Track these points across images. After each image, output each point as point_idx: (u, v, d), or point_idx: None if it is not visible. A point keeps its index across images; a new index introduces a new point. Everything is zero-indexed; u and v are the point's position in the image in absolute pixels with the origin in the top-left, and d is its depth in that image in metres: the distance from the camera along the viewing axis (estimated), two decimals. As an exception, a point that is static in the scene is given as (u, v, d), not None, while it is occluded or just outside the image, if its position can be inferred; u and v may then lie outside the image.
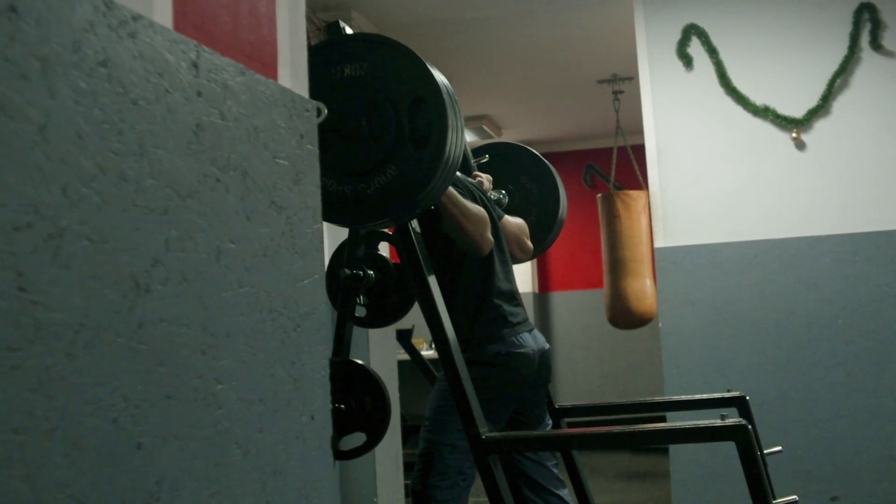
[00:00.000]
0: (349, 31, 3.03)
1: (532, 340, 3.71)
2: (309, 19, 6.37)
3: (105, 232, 1.40)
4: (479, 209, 3.62)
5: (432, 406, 3.72)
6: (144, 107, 1.52)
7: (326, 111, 2.68)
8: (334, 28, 3.00)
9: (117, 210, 1.43)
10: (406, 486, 7.54)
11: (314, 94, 2.67)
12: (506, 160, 4.49)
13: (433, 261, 3.61)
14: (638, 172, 8.67)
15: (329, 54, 2.94)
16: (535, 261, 11.89)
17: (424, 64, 2.91)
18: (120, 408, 1.41)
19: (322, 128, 2.82)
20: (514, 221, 4.11)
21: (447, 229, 3.54)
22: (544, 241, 4.50)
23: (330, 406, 2.17)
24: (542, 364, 3.74)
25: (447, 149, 2.86)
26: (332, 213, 2.94)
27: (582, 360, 11.27)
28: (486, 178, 4.09)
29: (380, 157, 2.89)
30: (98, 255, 1.38)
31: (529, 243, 4.15)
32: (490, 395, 3.49)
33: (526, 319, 3.78)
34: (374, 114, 2.89)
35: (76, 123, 1.35)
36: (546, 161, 4.52)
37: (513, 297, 3.78)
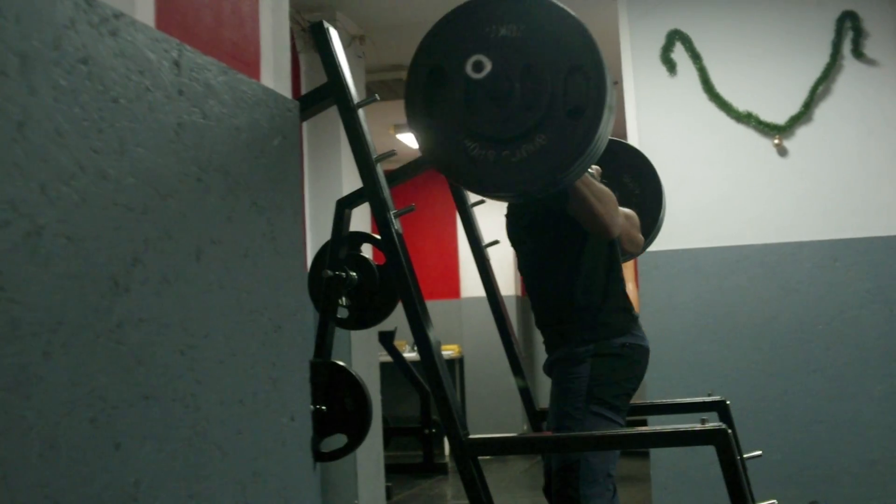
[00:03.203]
0: (333, 31, 3.01)
1: (646, 337, 3.61)
2: (293, 20, 6.36)
3: (84, 230, 1.39)
4: (608, 190, 3.40)
5: (561, 412, 3.48)
6: (125, 105, 1.51)
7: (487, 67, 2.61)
8: (318, 29, 2.98)
9: (97, 208, 1.42)
10: (388, 487, 7.54)
11: (467, 50, 2.62)
12: (608, 156, 4.02)
13: (549, 241, 3.53)
14: (621, 177, 8.66)
15: (484, 11, 2.77)
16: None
17: (587, 31, 2.72)
18: (98, 408, 1.40)
19: (473, 88, 2.78)
20: (624, 212, 3.81)
21: (575, 210, 3.32)
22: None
23: (310, 407, 2.17)
24: (648, 363, 3.62)
25: (601, 124, 2.69)
26: (470, 178, 2.80)
27: (564, 363, 11.25)
28: (595, 169, 3.78)
29: (530, 124, 2.69)
30: (77, 254, 1.37)
31: (640, 236, 3.95)
32: (617, 390, 3.42)
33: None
34: (528, 78, 2.71)
35: (56, 121, 1.35)
36: (650, 161, 4.27)
37: (625, 289, 3.67)
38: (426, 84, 2.82)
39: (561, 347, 3.51)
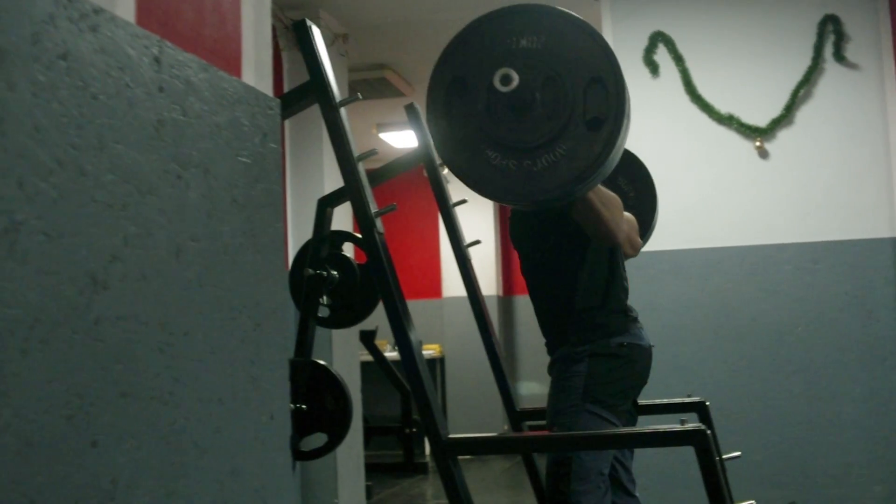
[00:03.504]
0: (316, 30, 3.00)
1: (647, 336, 3.63)
2: (276, 17, 6.35)
3: (62, 227, 1.38)
4: (615, 196, 3.42)
5: (555, 410, 3.50)
6: (105, 101, 1.50)
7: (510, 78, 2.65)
8: (301, 27, 2.97)
9: (75, 205, 1.42)
10: (368, 487, 7.53)
11: (489, 61, 2.66)
12: None
13: (552, 245, 3.54)
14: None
15: (505, 23, 2.84)
16: (499, 263, 11.90)
17: (606, 43, 2.79)
18: (75, 405, 1.39)
19: (494, 98, 2.79)
20: (625, 216, 3.78)
21: (580, 215, 3.32)
22: None
23: (289, 406, 2.16)
24: (651, 361, 3.65)
25: (621, 135, 2.75)
26: (491, 187, 2.85)
27: (545, 363, 11.26)
28: None
29: (551, 134, 2.75)
30: (55, 251, 1.37)
31: (639, 240, 3.94)
32: (613, 389, 3.43)
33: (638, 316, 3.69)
34: (549, 89, 2.77)
35: (34, 117, 1.34)
36: (644, 164, 4.29)
37: (628, 291, 3.69)
38: (447, 93, 2.86)
39: (560, 348, 3.53)
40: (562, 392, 3.46)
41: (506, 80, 2.71)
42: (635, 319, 3.60)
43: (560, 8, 2.83)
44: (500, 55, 2.80)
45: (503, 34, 2.83)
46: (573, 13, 2.82)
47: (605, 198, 3.32)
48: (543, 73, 2.77)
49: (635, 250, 3.83)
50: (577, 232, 3.41)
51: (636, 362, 3.53)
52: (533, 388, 11.51)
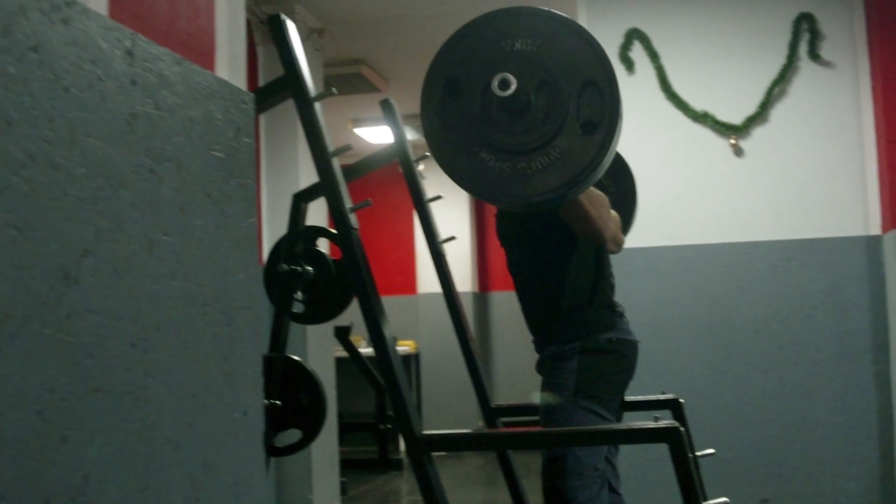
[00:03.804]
0: (291, 24, 2.99)
1: (633, 331, 3.63)
2: (252, 12, 6.33)
3: (33, 221, 1.37)
4: (602, 194, 3.44)
5: (549, 407, 3.49)
6: (77, 94, 1.49)
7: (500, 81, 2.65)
8: (276, 21, 2.96)
9: (46, 199, 1.40)
10: (342, 483, 7.52)
11: (484, 64, 2.66)
12: None
13: (539, 242, 3.54)
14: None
15: (500, 25, 2.84)
16: (474, 259, 11.90)
17: (600, 46, 2.79)
18: (45, 400, 1.38)
19: (489, 100, 2.79)
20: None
21: (568, 214, 3.33)
22: None
23: (263, 402, 2.15)
24: (637, 357, 3.64)
25: (615, 138, 2.77)
26: (485, 189, 2.85)
27: (520, 359, 11.27)
28: None
29: (545, 137, 2.76)
30: (25, 245, 1.36)
31: (622, 236, 3.92)
32: (605, 384, 3.44)
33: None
34: (543, 92, 2.78)
35: (4, 109, 1.33)
36: (625, 160, 4.30)
37: (614, 287, 3.69)
38: (441, 94, 2.86)
39: (549, 346, 3.53)
40: (553, 389, 3.47)
41: (504, 84, 2.72)
42: (622, 315, 3.61)
43: (554, 11, 2.84)
44: (495, 58, 2.81)
45: (498, 37, 2.84)
46: (567, 16, 2.83)
47: (594, 196, 3.33)
48: (538, 76, 2.78)
49: (619, 247, 3.84)
50: (564, 230, 3.42)
51: (625, 357, 3.55)
52: (509, 385, 11.52)
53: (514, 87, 2.72)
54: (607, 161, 2.80)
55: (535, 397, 3.53)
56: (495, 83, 2.73)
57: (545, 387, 3.51)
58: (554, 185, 2.77)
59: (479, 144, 2.82)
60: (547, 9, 2.84)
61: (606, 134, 2.75)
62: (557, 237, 3.49)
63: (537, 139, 2.78)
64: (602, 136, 2.75)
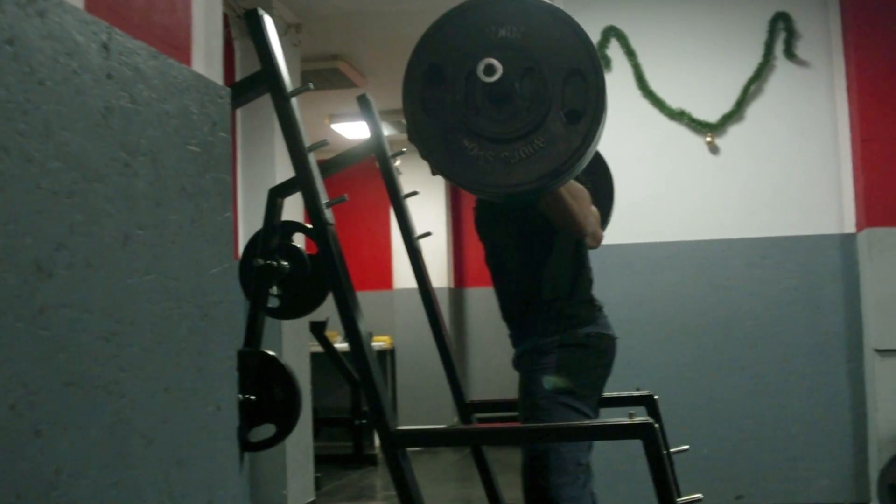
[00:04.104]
0: (268, 19, 2.99)
1: (612, 326, 3.59)
2: (229, 6, 6.32)
3: (7, 214, 1.37)
4: (583, 188, 3.38)
5: (530, 404, 3.44)
6: (52, 87, 1.49)
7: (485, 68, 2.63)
8: (253, 16, 2.96)
9: (20, 192, 1.40)
10: (317, 478, 7.52)
11: (468, 50, 2.63)
12: None
13: (518, 235, 3.51)
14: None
15: (484, 12, 2.79)
16: (450, 255, 11.91)
17: (586, 35, 2.76)
18: (18, 394, 1.38)
19: (473, 88, 2.76)
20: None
21: (549, 207, 3.27)
22: None
23: (236, 397, 2.15)
24: (616, 352, 3.59)
25: (599, 128, 2.73)
26: (466, 177, 2.81)
27: (495, 355, 11.30)
28: None
29: (529, 126, 2.73)
30: (-1, 238, 1.35)
31: (601, 232, 3.87)
32: (585, 379, 3.41)
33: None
34: (527, 81, 2.74)
35: (-21, 102, 1.32)
36: (602, 156, 4.22)
37: (593, 281, 3.66)
38: (423, 81, 2.83)
39: (527, 340, 3.50)
40: (534, 385, 3.44)
41: (489, 70, 2.69)
42: (601, 309, 3.58)
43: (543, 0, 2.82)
44: (479, 45, 2.77)
45: (482, 23, 2.80)
46: (553, 4, 2.80)
47: (575, 190, 3.29)
48: (523, 63, 2.75)
49: (598, 242, 3.82)
50: (544, 223, 3.37)
51: (604, 352, 3.52)
52: (484, 381, 11.53)
53: (499, 73, 2.69)
54: (591, 151, 2.78)
55: (547, 382, 3.47)
56: (480, 69, 2.70)
57: (524, 383, 3.50)
58: (537, 175, 2.75)
59: (461, 132, 2.78)
60: None
61: (591, 123, 2.73)
62: (537, 231, 3.46)
63: (521, 127, 2.75)
64: (587, 126, 2.73)
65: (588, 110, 2.73)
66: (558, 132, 2.74)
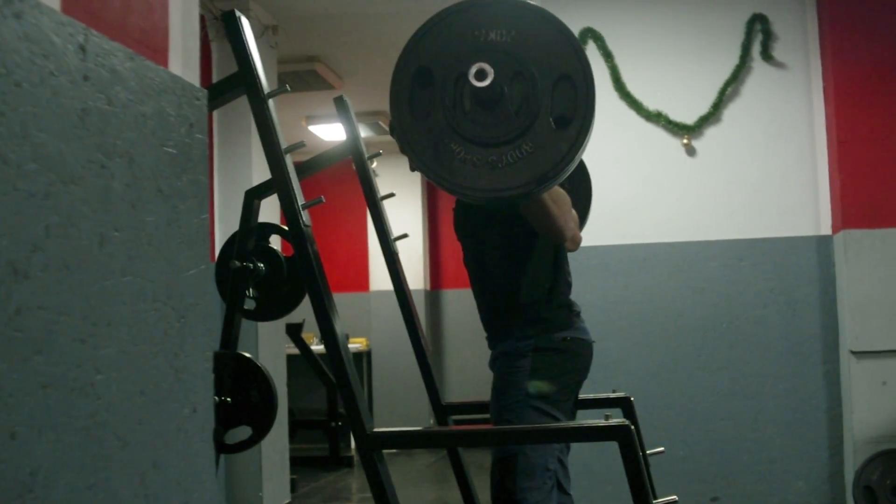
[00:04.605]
0: (245, 21, 2.98)
1: (589, 331, 3.59)
2: (206, 8, 6.31)
3: (-18, 216, 1.36)
4: (564, 192, 3.38)
5: (500, 406, 3.45)
6: (28, 89, 1.48)
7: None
8: (230, 17, 2.95)
9: (-4, 193, 1.40)
10: (292, 480, 7.51)
11: (457, 53, 2.62)
12: None
13: (497, 237, 3.50)
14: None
15: (474, 14, 2.78)
16: (426, 257, 11.91)
17: (576, 40, 2.75)
18: (-7, 396, 1.37)
19: (461, 91, 2.75)
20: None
21: (529, 211, 3.25)
22: None
23: (212, 399, 2.14)
24: (592, 357, 3.61)
25: (588, 135, 2.72)
26: (452, 181, 2.78)
27: (471, 357, 11.31)
28: None
29: (517, 130, 2.72)
30: (-26, 240, 1.35)
31: (580, 235, 3.83)
32: (559, 383, 3.40)
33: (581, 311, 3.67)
34: (516, 85, 2.73)
35: (-45, 103, 1.32)
36: (582, 159, 4.23)
37: (571, 285, 3.67)
38: (411, 83, 2.82)
39: (503, 342, 3.50)
40: (505, 389, 3.44)
41: (480, 75, 2.68)
42: (579, 314, 3.59)
43: (530, 2, 2.81)
44: (468, 48, 2.77)
45: (472, 26, 2.78)
46: (543, 8, 2.79)
47: (556, 195, 3.29)
48: (512, 67, 2.74)
49: (576, 246, 3.83)
50: (524, 226, 3.37)
51: (579, 357, 3.52)
52: (460, 383, 11.54)
53: (490, 77, 2.68)
54: (579, 157, 2.77)
55: (532, 387, 3.47)
56: (472, 73, 2.69)
57: (497, 385, 3.50)
58: (524, 181, 2.74)
59: (448, 135, 2.77)
60: (524, 0, 2.81)
61: (580, 130, 2.72)
62: (518, 234, 3.46)
63: (509, 132, 2.73)
64: (575, 132, 2.72)
65: (577, 116, 2.72)
66: (546, 138, 2.73)
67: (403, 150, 2.85)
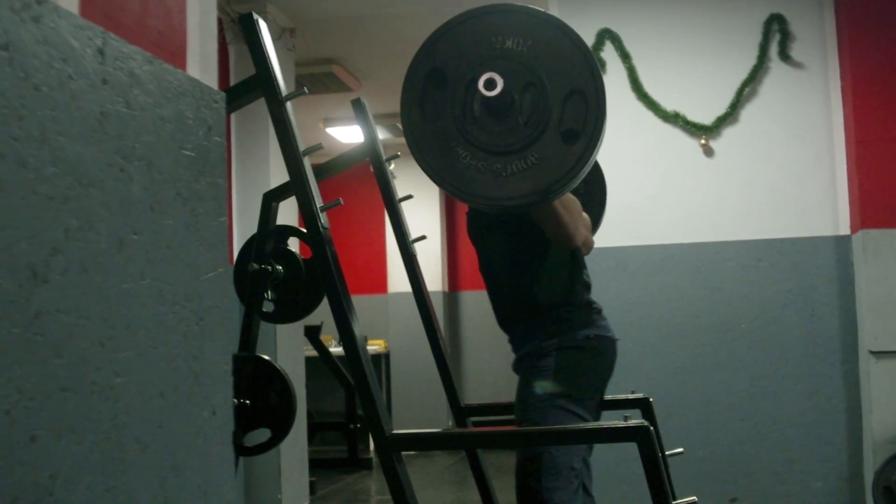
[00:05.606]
0: (263, 23, 2.98)
1: (612, 328, 3.59)
2: (223, 11, 6.32)
3: (2, 219, 1.37)
4: (575, 198, 3.38)
5: (525, 405, 3.45)
6: (47, 93, 1.48)
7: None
8: (247, 20, 2.96)
9: (16, 197, 1.40)
10: (311, 482, 7.51)
11: (471, 58, 2.62)
12: None
13: (512, 242, 3.51)
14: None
15: (493, 20, 2.78)
16: (444, 259, 11.91)
17: (591, 55, 2.75)
18: (13, 400, 1.38)
19: (471, 97, 2.75)
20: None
21: (540, 217, 3.27)
22: None
23: (232, 401, 2.15)
24: (616, 353, 3.61)
25: (595, 151, 2.71)
26: (455, 185, 2.78)
27: (490, 359, 11.30)
28: None
29: (525, 141, 2.71)
30: (-6, 243, 1.35)
31: (592, 239, 3.89)
32: (583, 382, 3.41)
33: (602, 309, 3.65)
34: (527, 95, 2.72)
35: (-26, 107, 1.32)
36: (598, 162, 4.10)
37: (590, 286, 3.65)
38: (424, 83, 2.81)
39: (527, 344, 3.50)
40: (530, 388, 3.43)
41: (490, 84, 2.67)
42: (600, 311, 3.58)
43: (550, 13, 2.81)
44: (484, 53, 2.76)
45: (490, 32, 2.78)
46: (562, 21, 2.79)
47: (566, 200, 3.28)
48: (525, 77, 2.73)
49: (588, 250, 3.82)
50: (537, 231, 3.37)
51: (603, 354, 3.52)
52: (479, 384, 11.53)
53: (499, 88, 2.68)
54: (584, 172, 2.76)
55: (539, 387, 3.46)
56: (481, 82, 2.69)
57: (522, 385, 3.49)
58: (528, 191, 2.74)
59: (456, 139, 2.77)
60: (544, 10, 2.80)
61: (587, 145, 2.71)
62: (530, 239, 3.46)
63: (517, 142, 2.73)
64: (582, 147, 2.71)
65: (585, 132, 2.71)
66: (553, 151, 2.72)
67: (407, 144, 2.84)
